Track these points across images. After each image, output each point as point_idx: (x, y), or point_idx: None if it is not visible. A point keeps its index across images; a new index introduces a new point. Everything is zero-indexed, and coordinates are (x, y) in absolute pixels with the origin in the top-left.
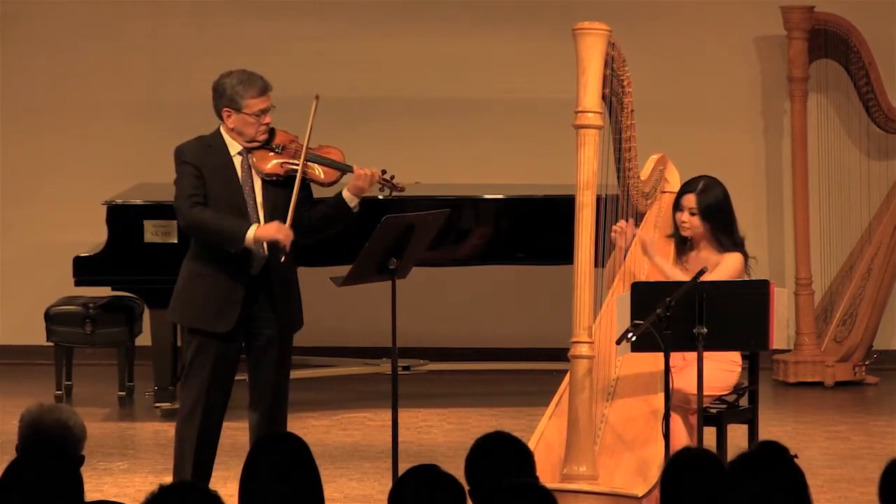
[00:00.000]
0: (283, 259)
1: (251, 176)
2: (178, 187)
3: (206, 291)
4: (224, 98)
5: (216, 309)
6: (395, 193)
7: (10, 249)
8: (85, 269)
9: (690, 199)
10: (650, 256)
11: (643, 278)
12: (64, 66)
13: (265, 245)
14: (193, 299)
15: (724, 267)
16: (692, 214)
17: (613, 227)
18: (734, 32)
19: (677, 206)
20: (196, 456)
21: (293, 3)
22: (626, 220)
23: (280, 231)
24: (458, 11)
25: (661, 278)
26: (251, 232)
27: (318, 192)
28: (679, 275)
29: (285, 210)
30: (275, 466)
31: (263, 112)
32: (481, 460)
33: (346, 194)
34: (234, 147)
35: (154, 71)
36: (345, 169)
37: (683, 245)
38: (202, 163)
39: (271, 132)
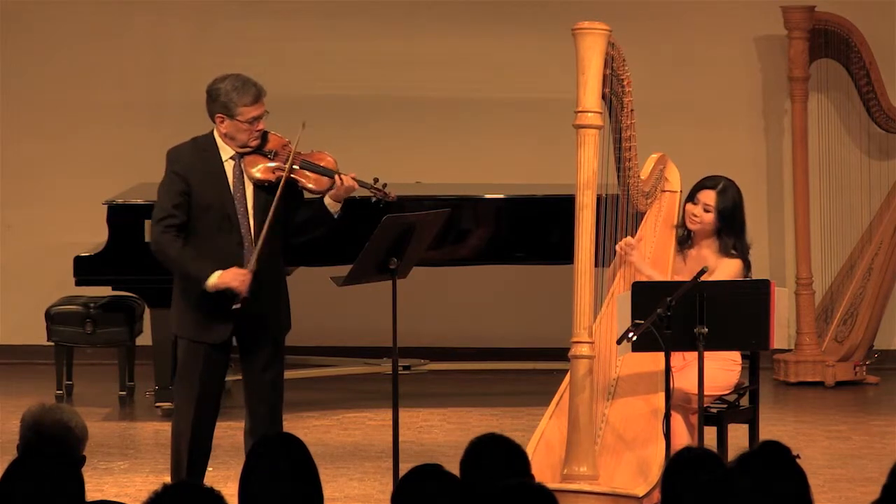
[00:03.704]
0: (236, 307)
1: (243, 181)
2: (159, 199)
3: (198, 302)
4: (217, 104)
5: (209, 320)
6: (386, 202)
7: (10, 249)
8: (85, 269)
9: (709, 196)
10: (641, 271)
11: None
12: (64, 66)
13: (255, 256)
14: (187, 311)
15: (722, 273)
16: (706, 211)
17: (619, 244)
18: (734, 32)
19: (692, 199)
20: (190, 454)
21: (293, 2)
22: (628, 234)
23: (236, 278)
24: (458, 11)
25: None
26: (212, 279)
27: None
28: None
29: (275, 216)
30: (274, 467)
31: (256, 119)
32: (476, 462)
33: (327, 201)
34: (226, 152)
35: (155, 71)
36: (333, 175)
37: (685, 240)
38: (193, 171)
39: (264, 136)
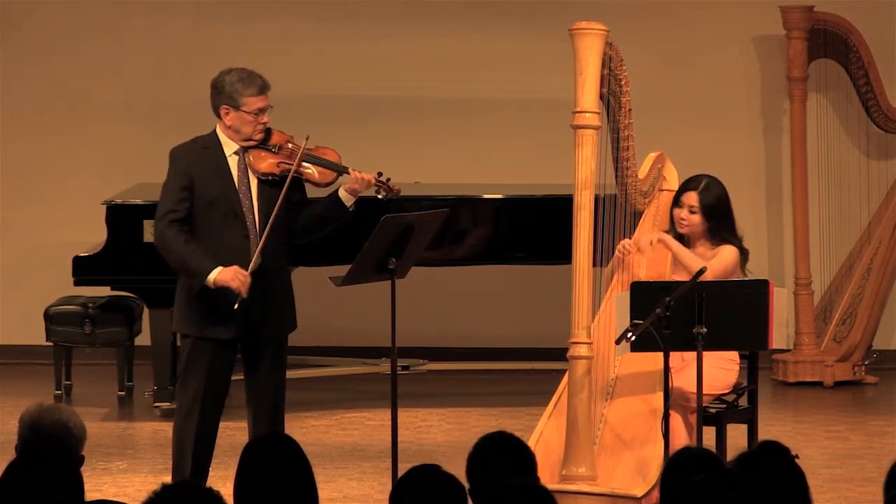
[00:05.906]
0: (236, 307)
1: (247, 175)
2: (162, 196)
3: (206, 301)
4: (223, 95)
5: (218, 317)
6: (390, 196)
7: (10, 249)
8: (84, 269)
9: (692, 197)
10: (671, 249)
11: (642, 277)
12: (64, 66)
13: (258, 252)
14: (193, 307)
15: (721, 258)
16: (692, 212)
17: (619, 247)
18: (734, 32)
19: (677, 203)
20: (194, 455)
21: (293, 3)
22: (626, 234)
23: (236, 278)
24: (458, 11)
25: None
26: (212, 276)
27: (311, 192)
28: (699, 262)
29: (280, 211)
30: (267, 467)
31: (261, 111)
32: (483, 460)
33: (342, 194)
34: (230, 147)
35: (154, 71)
36: (340, 170)
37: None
38: (196, 167)
39: (268, 132)
